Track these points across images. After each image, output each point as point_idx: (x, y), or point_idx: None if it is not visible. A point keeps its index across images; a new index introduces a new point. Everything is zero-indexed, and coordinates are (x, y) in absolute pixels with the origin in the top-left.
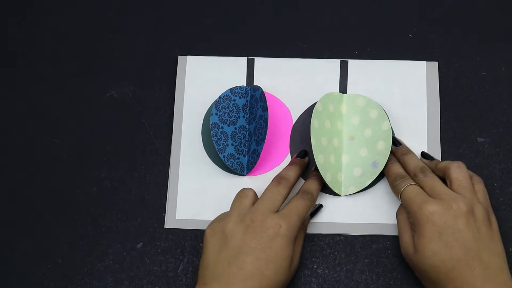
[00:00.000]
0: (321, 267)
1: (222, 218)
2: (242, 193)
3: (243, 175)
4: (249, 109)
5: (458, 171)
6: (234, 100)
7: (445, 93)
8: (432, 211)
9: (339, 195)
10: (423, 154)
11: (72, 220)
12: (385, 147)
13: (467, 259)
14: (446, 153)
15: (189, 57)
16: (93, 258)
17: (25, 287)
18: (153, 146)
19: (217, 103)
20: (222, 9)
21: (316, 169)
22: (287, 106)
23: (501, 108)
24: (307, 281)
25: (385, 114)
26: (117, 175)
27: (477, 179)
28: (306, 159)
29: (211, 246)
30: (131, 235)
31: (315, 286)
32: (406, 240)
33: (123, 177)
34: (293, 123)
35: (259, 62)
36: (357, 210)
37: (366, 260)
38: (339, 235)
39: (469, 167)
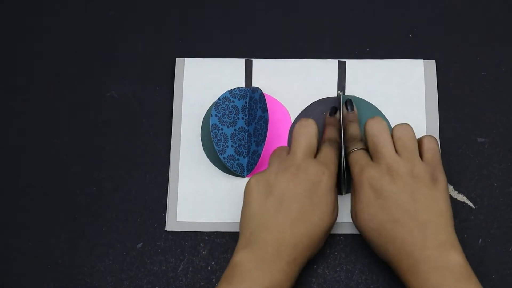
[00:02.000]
0: (321, 267)
1: (263, 171)
2: (279, 148)
3: (243, 176)
4: (248, 110)
5: (401, 130)
6: (233, 101)
7: (445, 93)
8: (369, 176)
9: (340, 195)
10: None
11: (72, 220)
12: None
13: (405, 220)
14: (446, 153)
15: (186, 59)
16: (93, 258)
17: (25, 287)
18: (153, 146)
19: (216, 105)
20: (223, 8)
21: (331, 113)
22: (286, 107)
23: (501, 108)
24: (307, 281)
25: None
26: (117, 175)
27: (429, 139)
28: (338, 114)
29: (255, 196)
30: (131, 235)
31: (315, 286)
32: (351, 206)
33: (123, 177)
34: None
35: (257, 63)
36: None
37: (366, 260)
38: (339, 235)
39: (469, 167)
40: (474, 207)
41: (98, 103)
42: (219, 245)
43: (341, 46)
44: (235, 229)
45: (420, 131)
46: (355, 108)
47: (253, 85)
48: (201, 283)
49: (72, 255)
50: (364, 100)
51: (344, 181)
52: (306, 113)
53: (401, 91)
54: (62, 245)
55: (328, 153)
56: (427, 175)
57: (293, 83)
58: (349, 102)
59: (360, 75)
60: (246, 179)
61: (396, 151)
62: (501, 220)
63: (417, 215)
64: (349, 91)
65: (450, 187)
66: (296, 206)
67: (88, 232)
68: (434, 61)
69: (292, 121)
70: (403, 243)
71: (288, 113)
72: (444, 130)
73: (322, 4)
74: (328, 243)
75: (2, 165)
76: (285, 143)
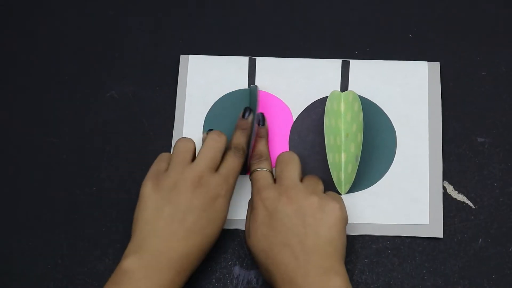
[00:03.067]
0: None
1: (162, 172)
2: (183, 146)
3: (243, 174)
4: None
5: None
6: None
7: (445, 93)
8: (266, 196)
9: (340, 194)
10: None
11: (72, 220)
12: (361, 139)
13: (292, 244)
14: (446, 153)
15: (191, 56)
16: (93, 258)
17: (25, 287)
18: (153, 146)
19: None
20: (223, 8)
21: (244, 115)
22: (288, 106)
23: (501, 108)
24: None
25: (361, 105)
26: (117, 175)
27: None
28: (250, 118)
29: (152, 201)
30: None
31: None
32: (246, 225)
33: (123, 177)
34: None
35: (260, 61)
36: (356, 210)
37: (366, 260)
38: None
39: (469, 167)
40: (474, 207)
41: (98, 103)
42: (219, 245)
43: (342, 46)
44: (235, 226)
45: (422, 132)
46: (266, 123)
47: (256, 83)
48: (201, 283)
49: (72, 255)
50: (367, 99)
51: (341, 181)
52: (308, 112)
53: (404, 92)
54: (62, 245)
55: (231, 165)
56: (318, 203)
57: (296, 82)
58: (261, 116)
59: (364, 75)
60: (246, 177)
61: (301, 181)
62: (501, 220)
63: (305, 240)
64: (353, 90)
65: (450, 187)
66: (192, 218)
67: (88, 232)
68: (438, 63)
69: (294, 119)
70: (287, 268)
71: (290, 111)
72: (445, 130)
73: (324, 4)
74: None
75: (2, 165)
76: (287, 142)
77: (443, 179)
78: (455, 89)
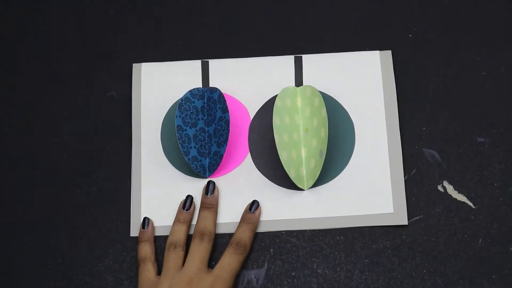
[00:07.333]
0: (321, 267)
1: (155, 282)
2: (174, 255)
3: (206, 177)
4: (207, 111)
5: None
6: (194, 102)
7: (445, 92)
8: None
9: (303, 190)
10: None
11: (72, 220)
12: (325, 134)
13: None
14: (446, 153)
15: (143, 64)
16: (93, 258)
17: (25, 287)
18: None
19: (180, 106)
20: (224, 8)
21: (250, 209)
22: (245, 106)
23: (501, 108)
24: (307, 281)
25: (322, 100)
26: (117, 175)
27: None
28: (258, 212)
29: None
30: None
31: (315, 286)
32: None
33: (123, 177)
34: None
35: (213, 63)
36: (321, 204)
37: (366, 260)
38: (339, 236)
39: (469, 167)
40: (474, 207)
41: (98, 103)
42: (219, 245)
43: (340, 46)
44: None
45: (380, 122)
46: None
47: (210, 86)
48: None
49: (72, 255)
50: (323, 92)
51: (303, 177)
52: (265, 109)
53: (358, 83)
54: (62, 245)
55: (227, 262)
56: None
57: (251, 81)
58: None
59: (317, 69)
60: (208, 180)
61: None
62: (501, 220)
63: None
64: (308, 84)
65: (450, 187)
66: None
67: (88, 232)
68: (390, 51)
69: (252, 118)
70: None
71: (247, 110)
72: (444, 130)
73: (322, 5)
74: (328, 243)
75: (2, 164)
76: (246, 141)
77: (443, 179)
78: (455, 89)
